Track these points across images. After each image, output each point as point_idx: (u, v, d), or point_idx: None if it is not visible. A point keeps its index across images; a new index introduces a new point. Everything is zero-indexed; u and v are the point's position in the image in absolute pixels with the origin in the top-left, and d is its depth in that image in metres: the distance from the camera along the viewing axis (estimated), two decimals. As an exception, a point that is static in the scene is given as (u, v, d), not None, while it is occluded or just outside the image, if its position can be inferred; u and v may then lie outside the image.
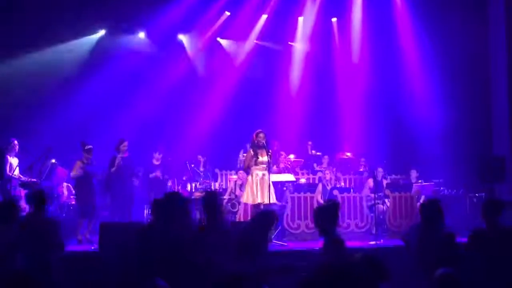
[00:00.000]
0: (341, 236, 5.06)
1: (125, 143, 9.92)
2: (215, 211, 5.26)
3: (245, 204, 9.56)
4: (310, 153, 13.13)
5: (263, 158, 8.89)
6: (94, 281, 6.04)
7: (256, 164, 8.92)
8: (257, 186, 8.85)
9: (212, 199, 5.34)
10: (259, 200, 8.84)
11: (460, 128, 12.28)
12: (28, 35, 11.88)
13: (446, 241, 5.17)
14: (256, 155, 8.92)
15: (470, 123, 12.04)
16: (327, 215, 5.10)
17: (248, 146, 12.30)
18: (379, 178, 10.80)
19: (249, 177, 9.06)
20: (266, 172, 8.91)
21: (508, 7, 11.41)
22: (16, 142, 9.72)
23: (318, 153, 13.06)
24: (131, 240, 5.18)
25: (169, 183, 11.51)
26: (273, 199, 9.04)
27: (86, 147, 9.63)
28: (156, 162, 11.40)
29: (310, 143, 13.27)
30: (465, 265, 4.99)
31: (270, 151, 9.09)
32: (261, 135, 8.95)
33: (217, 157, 12.91)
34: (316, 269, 2.16)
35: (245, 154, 9.92)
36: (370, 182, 10.80)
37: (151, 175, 11.24)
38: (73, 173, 9.62)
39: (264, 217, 5.54)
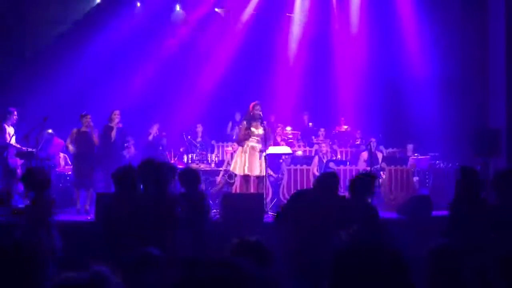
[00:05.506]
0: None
1: (116, 112, 9.87)
2: (150, 179, 5.16)
3: (243, 176, 9.48)
4: (307, 125, 13.13)
5: (258, 131, 8.73)
6: (90, 251, 6.07)
7: (250, 137, 8.74)
8: (247, 157, 8.70)
9: (147, 168, 5.21)
10: (246, 172, 8.71)
11: (456, 101, 12.25)
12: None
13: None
14: (250, 128, 8.73)
15: (467, 96, 12.00)
16: (363, 185, 5.29)
17: (237, 116, 12.35)
18: (373, 149, 10.82)
19: (240, 147, 8.91)
20: (259, 145, 8.73)
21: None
22: (15, 112, 9.67)
23: (310, 124, 13.07)
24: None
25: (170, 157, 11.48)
26: (264, 172, 8.82)
27: (81, 114, 9.57)
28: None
29: (306, 116, 13.26)
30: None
31: (265, 122, 8.89)
32: (258, 107, 8.72)
33: (213, 129, 12.90)
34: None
35: (239, 126, 9.73)
36: (365, 154, 10.83)
37: (150, 137, 11.18)
38: (67, 143, 9.61)
39: (325, 179, 5.54)
